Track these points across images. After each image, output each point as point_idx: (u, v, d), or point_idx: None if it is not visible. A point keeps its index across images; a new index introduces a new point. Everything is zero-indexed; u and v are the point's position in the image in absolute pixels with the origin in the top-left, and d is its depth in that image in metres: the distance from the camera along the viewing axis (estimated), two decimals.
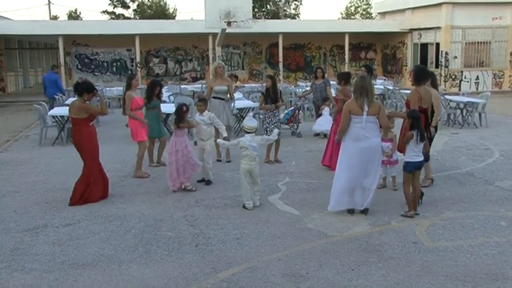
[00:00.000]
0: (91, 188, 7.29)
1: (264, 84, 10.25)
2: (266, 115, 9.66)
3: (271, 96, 9.57)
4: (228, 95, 9.86)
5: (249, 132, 7.09)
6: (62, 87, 16.59)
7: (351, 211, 6.61)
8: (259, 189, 7.14)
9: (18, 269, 5.17)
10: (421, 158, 6.65)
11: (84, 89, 7.26)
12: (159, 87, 9.49)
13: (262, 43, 28.22)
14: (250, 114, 10.42)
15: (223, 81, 9.76)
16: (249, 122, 7.19)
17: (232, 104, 12.54)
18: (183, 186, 7.80)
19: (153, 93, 9.36)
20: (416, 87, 7.33)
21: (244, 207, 6.96)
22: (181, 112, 7.84)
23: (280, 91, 10.06)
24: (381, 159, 6.77)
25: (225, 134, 8.23)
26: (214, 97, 9.64)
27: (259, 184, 7.13)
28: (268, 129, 9.55)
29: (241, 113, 13.03)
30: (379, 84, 18.78)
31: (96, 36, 25.02)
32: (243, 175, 6.99)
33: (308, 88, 14.69)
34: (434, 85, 8.26)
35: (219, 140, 7.69)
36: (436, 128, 7.91)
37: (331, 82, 13.85)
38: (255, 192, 7.05)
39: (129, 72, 26.67)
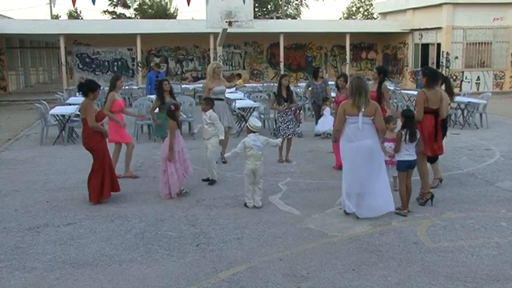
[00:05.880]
0: (106, 182, 7.25)
1: (278, 83, 10.12)
2: (278, 114, 9.69)
3: (284, 96, 9.57)
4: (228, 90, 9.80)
5: (253, 132, 7.09)
6: (151, 83, 15.33)
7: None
8: (261, 188, 7.11)
9: (19, 268, 5.18)
10: (414, 157, 6.69)
11: (88, 89, 7.25)
12: (167, 82, 9.45)
13: (263, 43, 28.21)
14: (255, 114, 10.42)
15: (221, 81, 9.75)
16: (254, 121, 7.20)
17: (234, 104, 12.54)
18: (179, 192, 7.63)
19: (163, 92, 9.30)
20: (425, 88, 7.28)
21: (245, 205, 7.04)
22: (171, 112, 7.69)
23: (292, 91, 10.07)
24: (382, 162, 6.64)
25: (221, 137, 8.21)
26: (214, 98, 9.58)
27: (261, 184, 7.11)
28: (280, 128, 9.58)
29: (242, 113, 13.01)
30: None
31: (97, 35, 25.01)
32: (246, 175, 7.01)
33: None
34: (449, 89, 8.18)
35: (227, 155, 7.54)
36: (446, 126, 7.85)
37: (330, 82, 13.85)
38: (256, 193, 7.05)
39: (131, 71, 26.72)
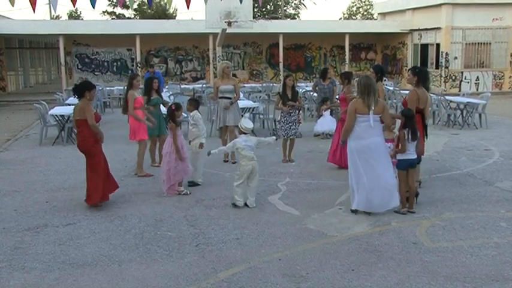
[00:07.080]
0: (101, 185, 7.12)
1: (281, 84, 10.12)
2: (282, 114, 9.69)
3: (288, 97, 9.56)
4: (235, 94, 9.82)
5: (244, 133, 7.09)
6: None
7: (367, 212, 6.62)
8: (256, 186, 7.10)
9: (19, 269, 5.18)
10: (414, 156, 6.77)
11: (84, 88, 7.19)
12: (156, 81, 9.54)
13: (262, 43, 28.22)
14: (247, 115, 10.46)
15: (229, 80, 9.84)
16: (246, 122, 7.20)
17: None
18: (177, 191, 7.64)
19: (151, 89, 9.37)
20: (415, 87, 7.40)
21: (234, 205, 6.98)
22: (171, 112, 7.73)
23: (297, 91, 10.06)
24: (388, 156, 6.73)
25: (203, 140, 8.12)
26: (220, 97, 9.70)
27: (256, 183, 7.10)
28: (282, 128, 9.59)
29: (241, 113, 13.00)
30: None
31: (96, 35, 25.01)
32: (241, 176, 6.96)
33: (309, 88, 14.69)
34: (427, 87, 8.25)
35: (213, 151, 7.40)
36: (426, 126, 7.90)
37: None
38: (251, 193, 7.04)
39: (130, 71, 26.70)
